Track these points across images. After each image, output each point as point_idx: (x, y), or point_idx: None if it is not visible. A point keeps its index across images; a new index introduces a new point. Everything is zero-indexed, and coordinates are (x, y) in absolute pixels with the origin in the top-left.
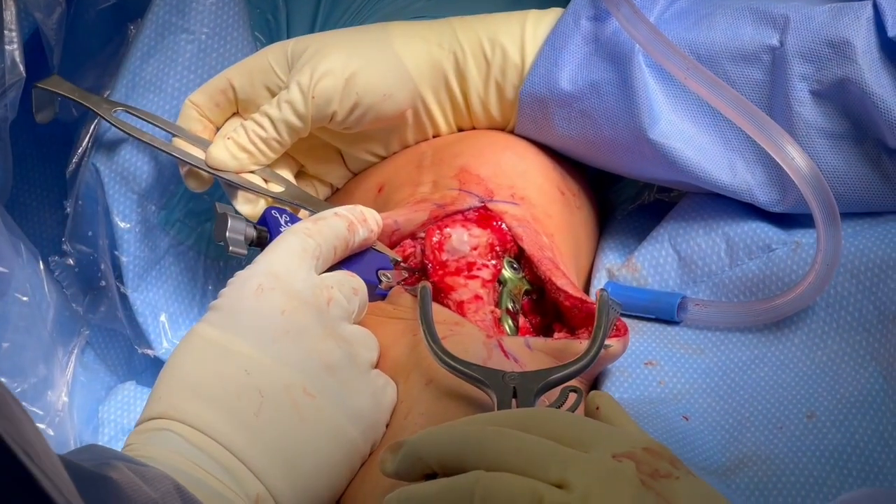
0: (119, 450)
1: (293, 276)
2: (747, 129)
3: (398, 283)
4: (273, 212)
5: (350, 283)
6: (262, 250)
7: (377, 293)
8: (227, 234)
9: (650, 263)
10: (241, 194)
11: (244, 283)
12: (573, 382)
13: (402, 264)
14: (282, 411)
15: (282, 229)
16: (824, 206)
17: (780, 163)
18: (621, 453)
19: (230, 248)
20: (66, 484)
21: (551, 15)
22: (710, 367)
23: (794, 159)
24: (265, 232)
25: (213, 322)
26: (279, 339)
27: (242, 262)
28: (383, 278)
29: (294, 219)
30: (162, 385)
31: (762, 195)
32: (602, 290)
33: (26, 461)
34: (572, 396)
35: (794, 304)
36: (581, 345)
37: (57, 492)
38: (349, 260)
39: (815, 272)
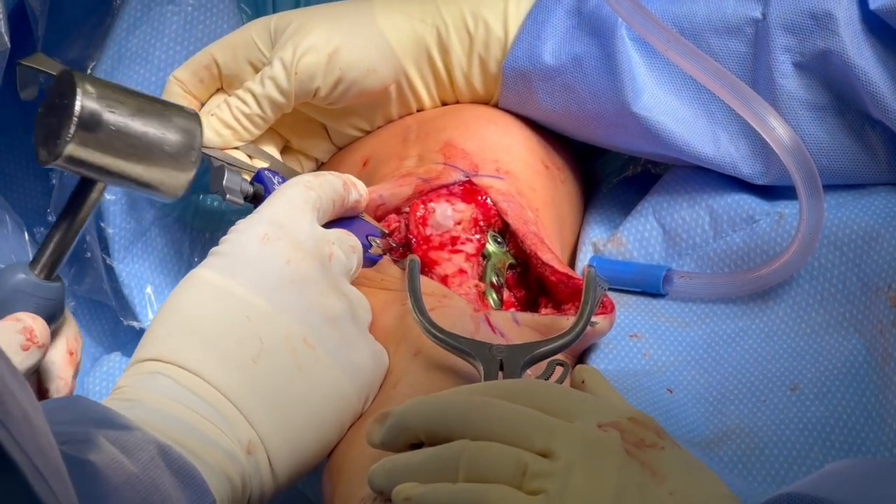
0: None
1: (297, 227)
2: (729, 100)
3: (385, 253)
4: (266, 172)
5: (348, 241)
6: (256, 207)
7: (366, 257)
8: (224, 183)
9: (635, 237)
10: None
11: (248, 230)
12: (559, 356)
13: (389, 237)
14: (280, 360)
15: (275, 188)
16: (806, 175)
17: (761, 133)
18: (607, 423)
19: (227, 196)
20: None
21: None
22: (694, 339)
23: (776, 129)
24: (261, 189)
25: (214, 267)
26: (283, 288)
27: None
28: (373, 243)
29: (285, 181)
30: (159, 326)
31: (746, 168)
32: (589, 266)
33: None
34: (559, 370)
35: (778, 274)
36: (567, 321)
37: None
38: (339, 224)
39: (799, 242)
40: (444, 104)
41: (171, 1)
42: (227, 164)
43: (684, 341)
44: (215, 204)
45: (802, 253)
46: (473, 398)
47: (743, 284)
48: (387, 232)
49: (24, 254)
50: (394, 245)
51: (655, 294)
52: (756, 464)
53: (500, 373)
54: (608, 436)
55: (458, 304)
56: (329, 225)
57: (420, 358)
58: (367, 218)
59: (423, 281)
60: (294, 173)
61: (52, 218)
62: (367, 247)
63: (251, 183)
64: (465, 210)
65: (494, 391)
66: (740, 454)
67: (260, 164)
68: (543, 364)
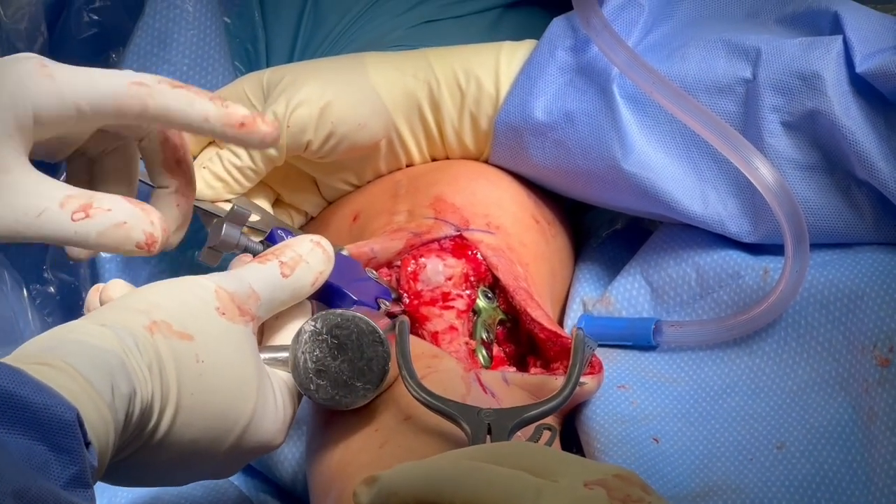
0: None
1: None
2: (713, 140)
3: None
4: (279, 231)
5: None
6: None
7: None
8: (222, 237)
9: (623, 297)
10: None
11: None
12: (547, 420)
13: (400, 300)
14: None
15: None
16: (789, 213)
17: (744, 173)
18: (593, 481)
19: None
20: None
21: (525, 47)
22: (681, 395)
23: (758, 168)
24: (259, 249)
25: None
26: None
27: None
28: (382, 305)
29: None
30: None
31: (733, 226)
32: (578, 328)
33: None
34: (546, 434)
35: (767, 315)
36: (557, 381)
37: None
38: (349, 283)
39: (785, 280)
40: (434, 159)
41: (166, 60)
42: (229, 219)
43: (672, 395)
44: None
45: (790, 292)
46: (461, 463)
47: (732, 328)
48: (398, 294)
49: (22, 310)
50: (401, 309)
51: (644, 348)
52: None
53: (489, 437)
54: (595, 494)
55: (448, 366)
56: (336, 283)
57: (410, 423)
58: (380, 279)
59: (414, 342)
60: (284, 227)
61: (48, 275)
62: (376, 309)
63: (261, 242)
64: (455, 265)
65: (481, 454)
66: None
67: (251, 217)
68: (531, 428)
